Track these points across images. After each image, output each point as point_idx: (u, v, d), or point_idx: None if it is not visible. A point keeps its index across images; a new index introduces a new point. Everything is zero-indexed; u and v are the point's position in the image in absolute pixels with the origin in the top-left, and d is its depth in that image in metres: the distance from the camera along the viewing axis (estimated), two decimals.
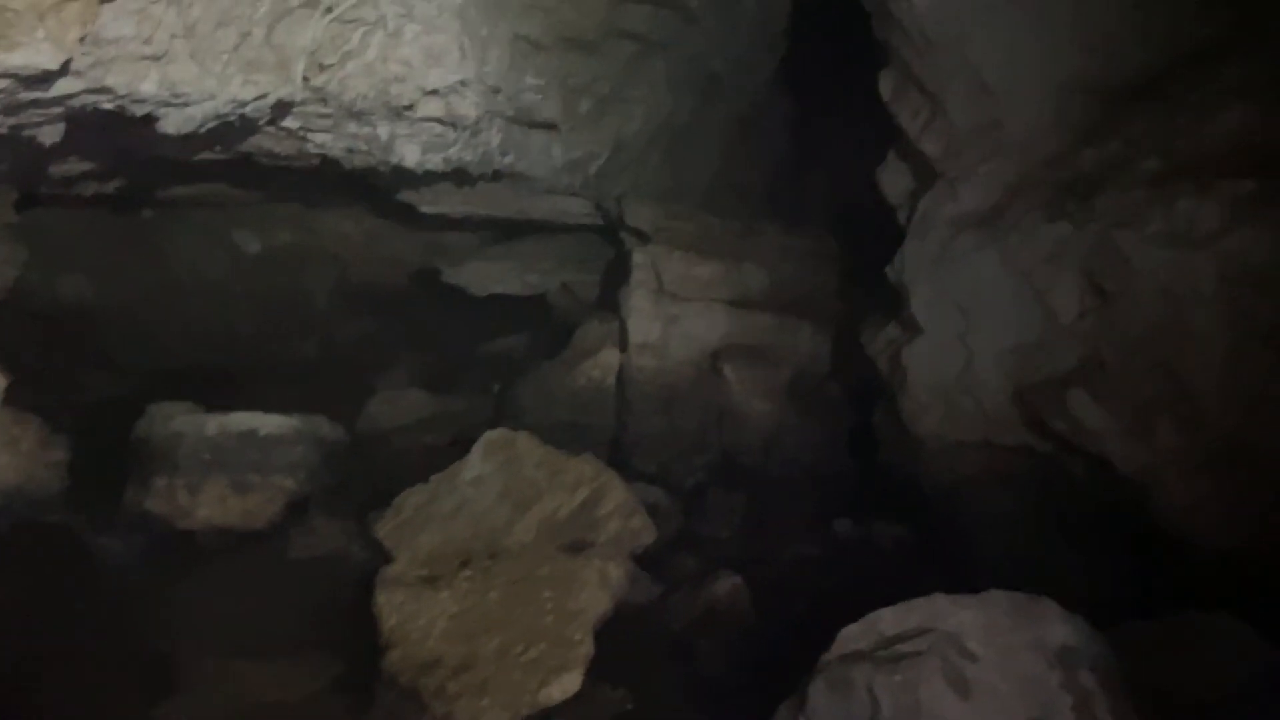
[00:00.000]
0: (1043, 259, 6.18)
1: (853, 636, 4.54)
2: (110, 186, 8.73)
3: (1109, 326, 5.82)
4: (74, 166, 7.59)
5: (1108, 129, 6.28)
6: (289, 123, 6.87)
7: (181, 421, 7.71)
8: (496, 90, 7.37)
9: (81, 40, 4.77)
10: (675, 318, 9.55)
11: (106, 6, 4.85)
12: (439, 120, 7.09)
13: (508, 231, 11.58)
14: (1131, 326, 5.70)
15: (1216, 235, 5.35)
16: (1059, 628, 4.40)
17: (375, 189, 9.83)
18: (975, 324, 6.55)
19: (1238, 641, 4.63)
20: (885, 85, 7.45)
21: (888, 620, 4.55)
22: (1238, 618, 4.74)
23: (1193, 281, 5.43)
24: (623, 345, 9.73)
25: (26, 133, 5.70)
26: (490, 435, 7.19)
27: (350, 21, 6.03)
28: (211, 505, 7.41)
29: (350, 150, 7.52)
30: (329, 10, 5.88)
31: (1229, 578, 5.23)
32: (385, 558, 6.42)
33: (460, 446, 7.30)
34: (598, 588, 5.78)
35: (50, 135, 5.76)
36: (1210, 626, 4.68)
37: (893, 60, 7.33)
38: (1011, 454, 6.69)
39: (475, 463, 6.97)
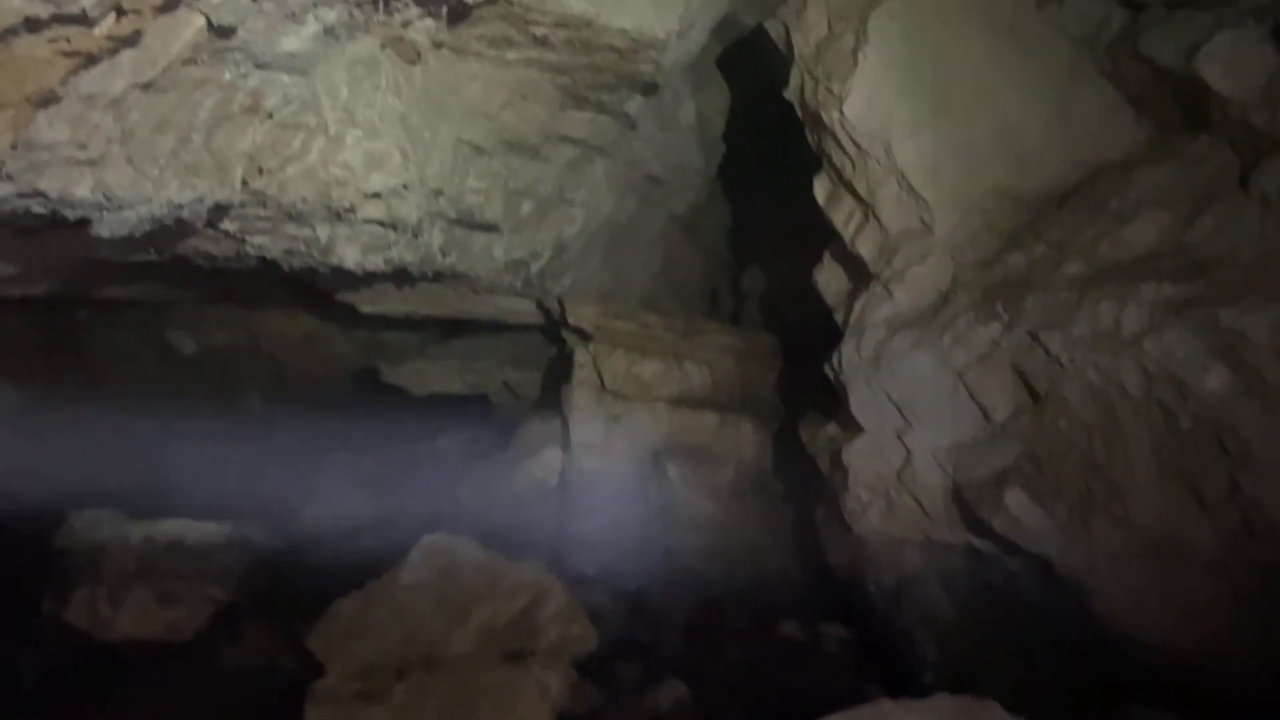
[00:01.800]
0: (975, 359, 6.33)
1: None
2: (39, 289, 8.55)
3: (1042, 425, 5.94)
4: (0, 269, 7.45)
5: (1033, 233, 6.52)
6: (227, 225, 6.82)
7: (105, 530, 7.47)
8: (439, 192, 7.42)
9: (14, 146, 4.72)
10: (617, 416, 9.55)
11: (42, 113, 4.81)
12: (380, 222, 7.09)
13: (449, 330, 11.56)
14: (1063, 425, 5.82)
15: (1139, 337, 5.52)
16: None
17: (314, 289, 9.76)
18: (913, 423, 6.65)
19: None
20: (819, 190, 7.69)
21: None
22: (1176, 713, 4.77)
23: (1119, 382, 5.59)
24: (565, 444, 9.68)
25: None
26: (428, 540, 7.03)
27: (291, 126, 6.05)
28: (134, 617, 7.10)
29: (289, 251, 7.47)
30: (270, 115, 5.89)
31: (1167, 673, 5.26)
32: (318, 670, 6.16)
33: (397, 552, 7.12)
34: (537, 700, 5.62)
35: None
36: None
37: (825, 166, 7.58)
38: (952, 552, 6.72)
39: (412, 568, 6.80)
